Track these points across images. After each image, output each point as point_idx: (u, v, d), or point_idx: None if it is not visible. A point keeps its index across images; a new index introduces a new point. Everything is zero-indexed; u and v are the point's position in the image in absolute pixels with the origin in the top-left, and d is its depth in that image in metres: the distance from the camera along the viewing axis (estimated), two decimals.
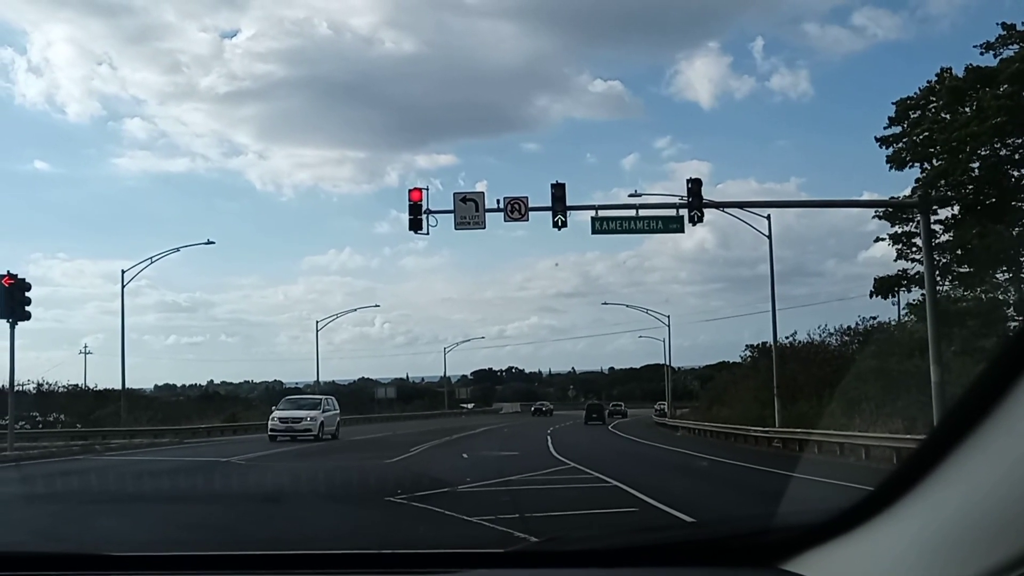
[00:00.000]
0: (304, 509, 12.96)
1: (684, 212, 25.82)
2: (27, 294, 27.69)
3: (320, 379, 72.13)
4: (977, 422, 1.35)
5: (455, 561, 1.92)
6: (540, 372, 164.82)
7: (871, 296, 35.99)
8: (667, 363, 72.66)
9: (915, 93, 34.67)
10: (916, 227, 31.58)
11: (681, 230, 26.88)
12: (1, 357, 28.90)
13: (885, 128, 35.40)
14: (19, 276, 27.68)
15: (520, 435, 40.62)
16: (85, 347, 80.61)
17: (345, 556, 1.93)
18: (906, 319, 37.42)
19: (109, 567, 1.89)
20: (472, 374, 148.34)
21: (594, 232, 26.44)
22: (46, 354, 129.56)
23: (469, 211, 25.62)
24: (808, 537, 1.66)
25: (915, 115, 34.55)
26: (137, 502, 14.89)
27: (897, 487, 1.51)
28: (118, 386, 47.24)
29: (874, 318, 38.67)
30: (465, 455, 26.12)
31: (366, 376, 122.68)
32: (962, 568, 1.32)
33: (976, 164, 32.52)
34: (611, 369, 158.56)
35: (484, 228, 25.94)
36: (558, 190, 25.31)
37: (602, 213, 26.66)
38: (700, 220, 26.00)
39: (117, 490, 17.17)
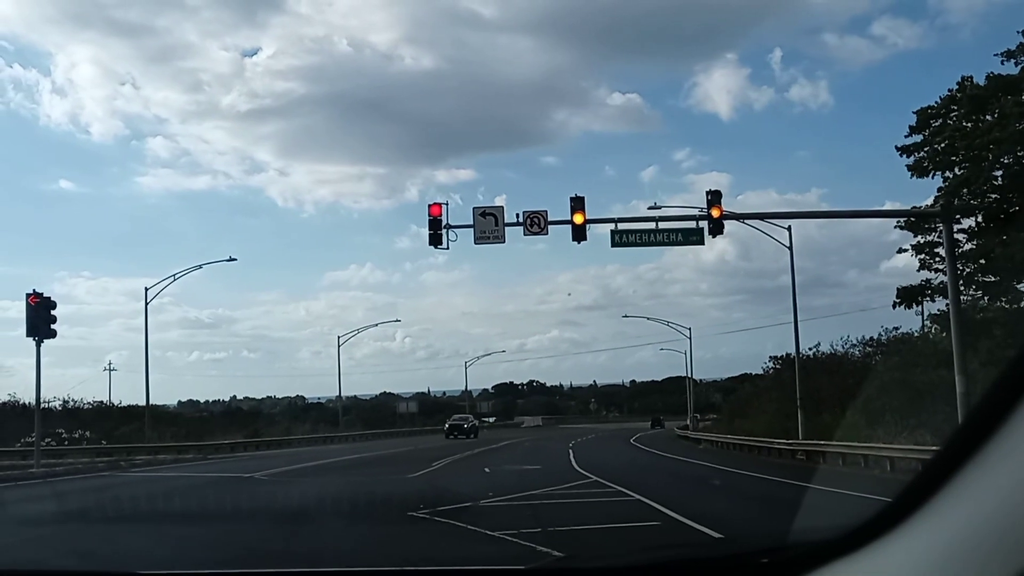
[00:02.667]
0: (327, 525, 13.00)
1: (704, 224, 25.78)
2: (52, 312, 28.02)
3: (342, 394, 72.17)
4: (989, 435, 1.36)
5: None
6: (561, 385, 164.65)
7: (894, 307, 35.69)
8: (689, 376, 72.41)
9: (936, 102, 34.45)
10: (939, 237, 31.30)
11: (701, 242, 26.82)
12: (28, 374, 29.27)
13: (906, 137, 35.19)
14: (44, 295, 28.03)
15: (542, 449, 40.55)
16: (109, 364, 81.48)
17: (368, 573, 1.96)
18: (929, 329, 37.08)
19: None
20: (493, 388, 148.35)
21: (614, 245, 26.43)
22: (71, 371, 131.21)
23: (489, 225, 25.70)
24: (824, 552, 1.67)
25: (936, 124, 34.30)
26: (161, 519, 14.99)
27: (911, 501, 1.52)
28: (142, 402, 47.62)
29: (897, 328, 38.36)
30: (487, 469, 26.11)
31: (388, 391, 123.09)
32: None
33: (999, 172, 32.23)
34: (632, 382, 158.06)
35: (504, 242, 26.04)
36: (577, 203, 25.35)
37: (622, 226, 26.65)
38: (720, 232, 25.95)
39: (142, 507, 17.30)
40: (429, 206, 25.69)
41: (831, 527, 1.76)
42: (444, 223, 25.34)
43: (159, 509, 16.75)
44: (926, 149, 34.36)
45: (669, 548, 2.08)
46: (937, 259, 33.68)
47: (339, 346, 67.62)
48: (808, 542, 1.78)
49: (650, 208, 31.50)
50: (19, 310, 29.71)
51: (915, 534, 1.50)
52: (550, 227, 25.82)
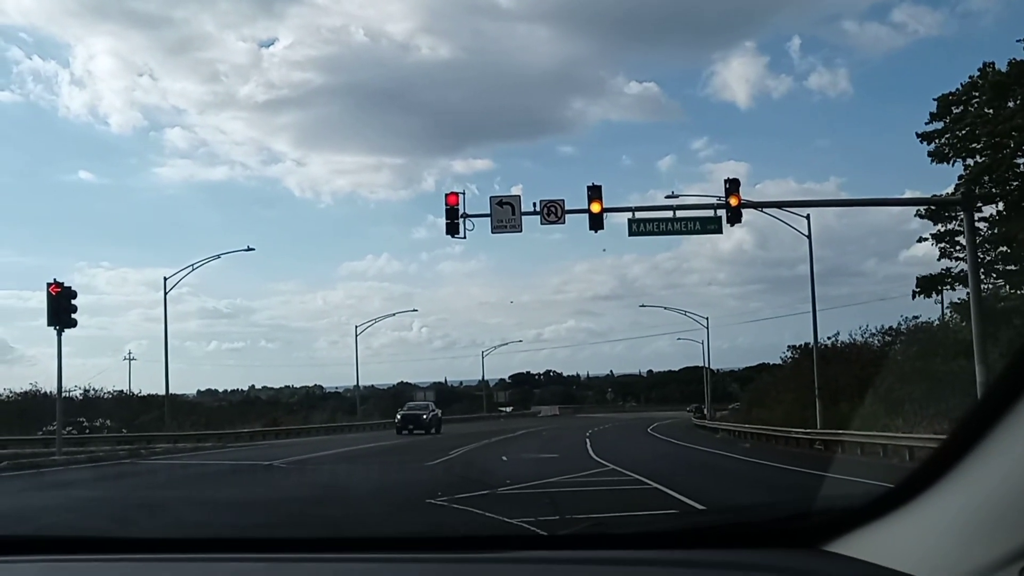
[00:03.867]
0: (346, 510, 13.08)
1: (722, 213, 25.68)
2: (73, 302, 28.22)
3: (360, 383, 72.43)
4: (1013, 404, 1.37)
5: (500, 544, 1.97)
6: (578, 375, 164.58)
7: (914, 296, 35.53)
8: (706, 365, 72.26)
9: (957, 88, 34.18)
10: (960, 225, 31.04)
11: (719, 231, 26.72)
12: (49, 364, 29.76)
13: (927, 124, 34.96)
14: (65, 284, 28.24)
15: (559, 438, 40.59)
16: (129, 353, 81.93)
17: (392, 540, 1.98)
18: (949, 318, 36.84)
19: (166, 549, 1.96)
20: (510, 378, 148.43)
21: (631, 234, 26.39)
22: (91, 361, 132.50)
23: (506, 214, 25.71)
24: (848, 519, 1.68)
25: (957, 111, 34.04)
26: (181, 504, 15.12)
27: (937, 469, 1.53)
28: (162, 392, 47.99)
29: (916, 318, 38.14)
30: (504, 457, 26.17)
31: (405, 380, 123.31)
32: (1004, 546, 1.34)
33: (1021, 159, 31.95)
34: (649, 372, 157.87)
35: (520, 231, 26.04)
36: (594, 192, 25.30)
37: (639, 215, 26.60)
38: (738, 221, 25.85)
39: (162, 493, 17.47)
40: (446, 195, 25.73)
41: (854, 495, 1.77)
42: (461, 212, 25.36)
43: (179, 495, 16.89)
44: (947, 136, 34.13)
45: (692, 516, 2.09)
46: (958, 247, 33.46)
47: (356, 336, 67.88)
48: (834, 509, 1.79)
49: (668, 197, 31.36)
50: (40, 300, 30.07)
51: (939, 501, 1.51)
52: (567, 216, 25.81)
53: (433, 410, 52.73)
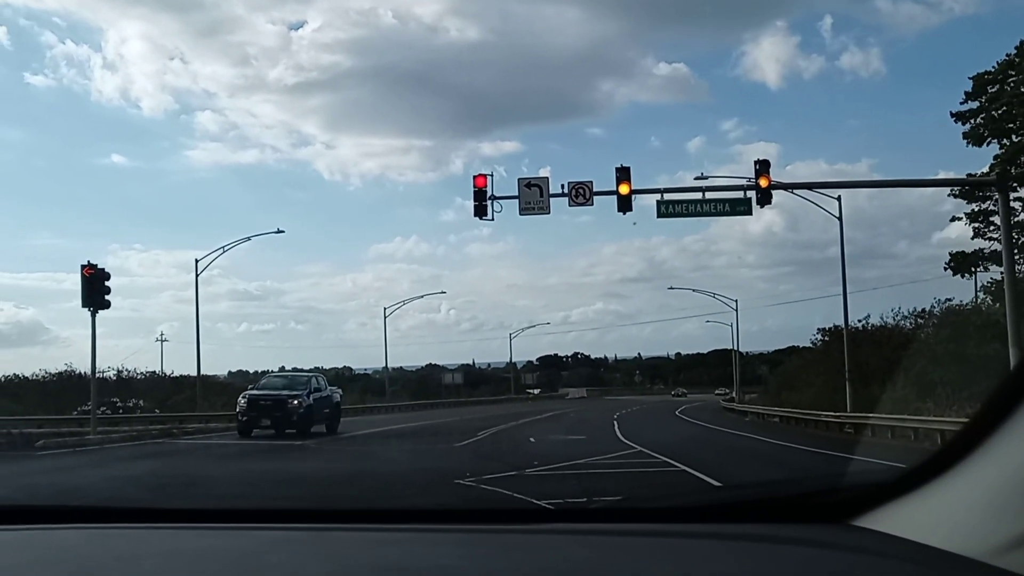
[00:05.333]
0: (376, 490, 13.21)
1: (752, 194, 25.48)
2: (107, 284, 28.57)
3: (389, 365, 72.86)
4: None
5: (532, 517, 2.00)
6: (606, 358, 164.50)
7: (950, 270, 35.09)
8: (735, 348, 71.92)
9: (993, 67, 33.62)
10: (994, 205, 30.66)
11: (749, 212, 26.55)
12: (83, 345, 30.03)
13: (961, 104, 34.45)
14: (99, 266, 28.59)
15: (587, 420, 40.65)
16: (161, 335, 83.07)
17: (425, 512, 2.02)
18: (982, 300, 36.39)
19: (205, 519, 2.01)
20: (538, 360, 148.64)
21: (660, 216, 26.28)
22: (124, 342, 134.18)
23: (534, 196, 25.67)
24: (877, 495, 1.68)
25: (993, 90, 33.53)
26: (216, 480, 15.33)
27: (965, 444, 1.53)
28: (193, 372, 48.50)
29: (949, 300, 37.71)
30: (532, 439, 26.26)
31: (433, 362, 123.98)
32: None
33: None
34: (677, 355, 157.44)
35: (548, 213, 25.99)
36: (623, 174, 25.19)
37: (668, 196, 26.48)
38: (768, 202, 25.64)
39: (197, 470, 17.72)
40: (474, 177, 25.74)
41: (883, 469, 1.78)
42: (489, 194, 25.36)
43: (212, 474, 17.12)
44: (982, 116, 33.65)
45: (720, 490, 2.11)
46: (992, 228, 33.05)
47: (385, 317, 68.14)
48: (862, 484, 1.80)
49: (697, 178, 31.14)
50: (74, 282, 30.45)
51: (968, 476, 1.51)
52: (595, 198, 25.72)
53: (317, 391, 28.88)
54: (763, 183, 25.13)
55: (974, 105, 33.92)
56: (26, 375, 49.14)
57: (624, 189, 25.05)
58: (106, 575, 1.58)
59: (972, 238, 34.69)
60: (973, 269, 35.04)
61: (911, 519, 1.57)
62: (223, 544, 1.80)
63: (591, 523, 1.92)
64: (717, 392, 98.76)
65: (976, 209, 34.34)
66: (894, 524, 1.59)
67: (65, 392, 43.48)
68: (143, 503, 2.32)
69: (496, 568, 1.59)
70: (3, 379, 48.70)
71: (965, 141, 33.91)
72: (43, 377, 48.61)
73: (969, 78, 34.20)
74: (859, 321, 39.16)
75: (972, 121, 33.85)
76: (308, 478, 15.73)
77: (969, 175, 34.00)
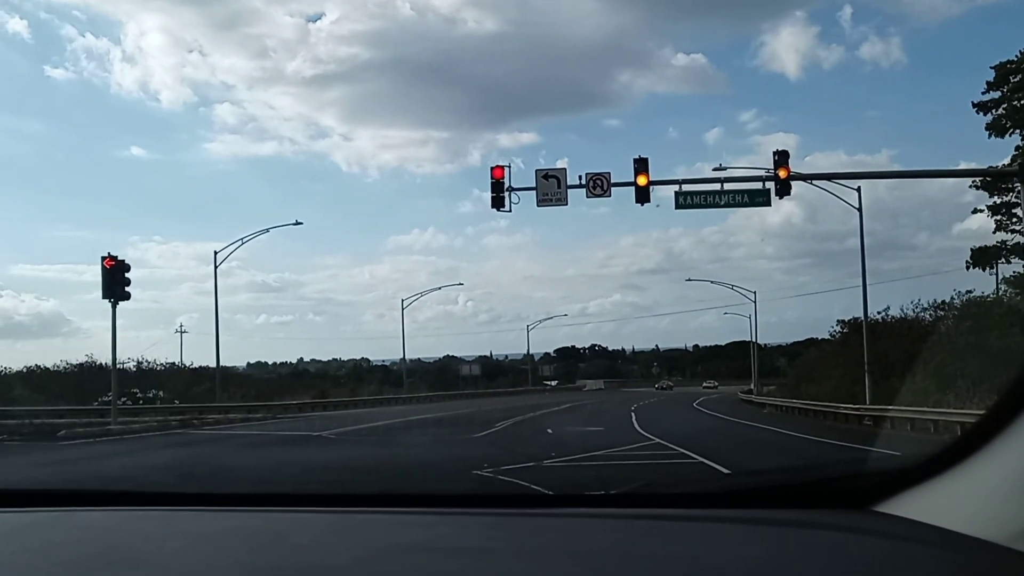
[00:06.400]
0: (394, 480, 13.26)
1: (771, 185, 25.36)
2: (127, 275, 28.80)
3: (406, 357, 73.06)
4: None
5: (551, 502, 2.02)
6: (623, 350, 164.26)
7: (968, 267, 34.82)
8: (753, 340, 71.71)
9: (1015, 56, 33.26)
10: (1017, 196, 30.33)
11: (767, 203, 26.44)
12: (103, 336, 30.49)
13: (983, 94, 34.12)
14: (119, 258, 28.81)
15: (604, 412, 40.64)
16: (180, 326, 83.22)
17: (445, 497, 2.04)
18: (1004, 292, 36.05)
19: (230, 503, 2.04)
20: (555, 352, 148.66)
21: (678, 207, 26.19)
22: (144, 333, 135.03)
23: (551, 188, 25.64)
24: (899, 480, 1.69)
25: (1016, 79, 33.16)
26: (239, 468, 15.45)
27: (988, 429, 1.53)
28: (213, 364, 48.88)
29: (970, 292, 37.38)
30: (550, 430, 26.28)
31: (451, 354, 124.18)
32: None
33: None
34: (695, 346, 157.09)
35: (566, 204, 25.96)
36: (641, 165, 25.12)
37: (686, 188, 26.38)
38: (787, 193, 25.51)
39: (218, 459, 17.85)
40: (492, 168, 25.75)
41: (906, 455, 1.78)
42: (507, 186, 25.37)
43: (232, 464, 17.25)
44: (1004, 106, 33.28)
45: (740, 476, 2.12)
46: (1014, 219, 32.74)
47: (403, 309, 68.32)
48: (884, 470, 1.80)
49: (715, 169, 30.99)
50: (95, 274, 30.70)
51: (991, 461, 1.51)
52: (613, 189, 25.67)
53: None
54: (782, 174, 25.03)
55: (996, 95, 33.58)
56: (47, 366, 49.71)
57: (642, 180, 25.01)
58: (134, 554, 1.61)
59: (994, 231, 34.34)
60: (994, 262, 34.70)
61: (933, 505, 1.58)
62: (249, 525, 1.83)
63: (611, 507, 1.93)
64: (705, 385, 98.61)
65: (998, 201, 33.99)
66: (916, 510, 1.60)
67: (86, 383, 43.89)
68: (169, 488, 2.36)
69: (522, 549, 1.61)
70: (25, 370, 49.26)
71: (987, 132, 33.62)
72: (64, 368, 49.14)
73: (991, 67, 33.89)
74: (879, 313, 38.94)
75: (994, 111, 33.51)
76: (330, 466, 15.83)
77: (991, 166, 33.67)
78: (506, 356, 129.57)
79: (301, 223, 50.16)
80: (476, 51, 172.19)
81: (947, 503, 1.55)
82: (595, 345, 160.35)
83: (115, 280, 28.35)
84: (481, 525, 1.79)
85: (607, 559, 1.49)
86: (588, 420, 32.41)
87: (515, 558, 1.53)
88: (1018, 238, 31.26)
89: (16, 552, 1.66)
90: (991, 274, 36.79)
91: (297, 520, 1.86)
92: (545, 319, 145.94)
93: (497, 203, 25.33)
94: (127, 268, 28.94)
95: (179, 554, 1.61)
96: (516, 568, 1.46)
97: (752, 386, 68.39)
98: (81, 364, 48.54)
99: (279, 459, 17.65)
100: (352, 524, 1.81)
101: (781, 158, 25.21)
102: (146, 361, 52.01)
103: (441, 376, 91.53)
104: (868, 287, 34.13)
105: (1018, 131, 32.87)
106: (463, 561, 1.51)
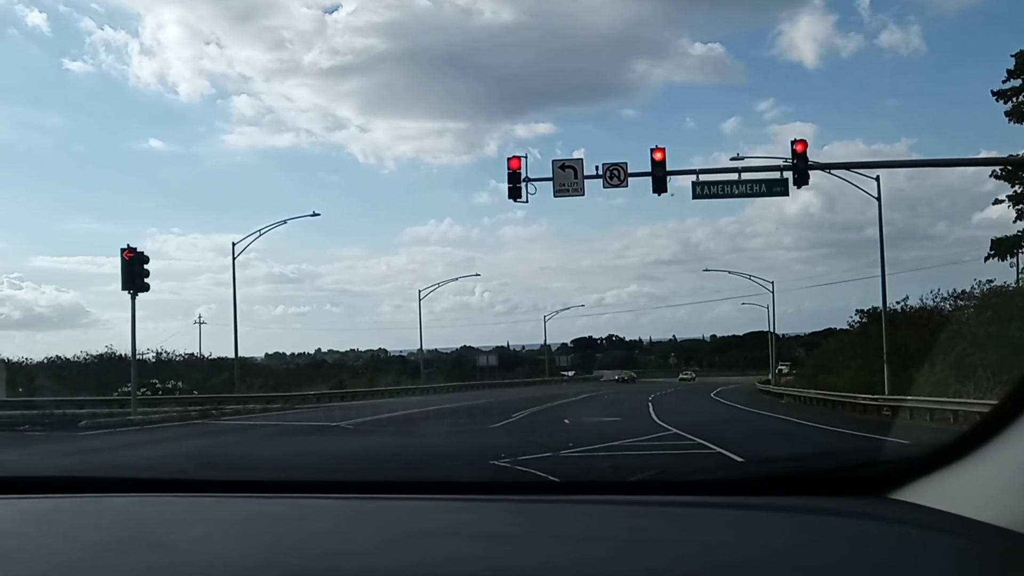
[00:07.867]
0: (412, 469, 13.32)
1: (788, 175, 25.22)
2: (146, 267, 29.02)
3: (423, 347, 73.20)
4: None
5: (569, 489, 2.04)
6: (640, 340, 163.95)
7: (987, 259, 34.54)
8: (771, 330, 71.33)
9: None
10: None
11: (785, 193, 26.27)
12: (123, 327, 30.62)
13: (1004, 82, 33.78)
14: (138, 250, 29.01)
15: (621, 402, 40.64)
16: (199, 317, 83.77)
17: (464, 484, 2.07)
18: None
19: (252, 490, 2.07)
20: (572, 342, 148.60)
21: (695, 197, 26.11)
22: (163, 324, 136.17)
23: (568, 178, 25.61)
24: (914, 468, 1.69)
25: None
26: (258, 457, 15.56)
27: (1004, 416, 1.54)
28: (231, 355, 49.06)
29: (990, 281, 37.05)
30: (567, 421, 26.31)
31: (468, 344, 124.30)
32: None
33: None
34: (713, 337, 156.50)
35: (583, 195, 25.93)
36: (658, 155, 25.03)
37: (703, 177, 26.27)
38: (805, 183, 25.37)
39: (239, 448, 18.00)
40: (508, 159, 25.74)
41: (921, 443, 1.79)
42: (523, 176, 25.34)
43: (252, 454, 17.37)
44: None
45: (756, 464, 2.13)
46: None
47: (419, 300, 68.39)
48: (899, 458, 1.81)
49: (732, 159, 30.81)
50: (114, 265, 31.02)
51: (1007, 448, 1.51)
52: (630, 179, 25.60)
53: None
54: (800, 163, 24.87)
55: (1016, 83, 33.25)
56: (68, 357, 50.22)
57: (659, 170, 24.92)
58: (159, 538, 1.64)
59: (1014, 220, 34.02)
60: (1015, 252, 34.38)
61: (949, 492, 1.58)
62: (271, 511, 1.86)
63: (628, 495, 1.95)
64: (682, 376, 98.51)
65: (1019, 191, 33.67)
66: (932, 497, 1.60)
67: (106, 374, 44.28)
68: (192, 475, 2.39)
69: (540, 534, 1.63)
70: (46, 361, 49.79)
71: (1007, 119, 33.30)
72: (84, 359, 49.61)
73: (1011, 55, 33.54)
74: (897, 303, 38.70)
75: (1014, 99, 33.18)
76: (349, 455, 15.92)
77: (1011, 155, 33.33)
78: (523, 346, 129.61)
79: (318, 214, 50.45)
80: (493, 42, 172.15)
81: (964, 490, 1.56)
82: (612, 335, 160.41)
83: (134, 272, 28.56)
84: (500, 511, 1.81)
85: (623, 544, 1.51)
86: (605, 410, 32.43)
87: (533, 543, 1.55)
88: None
89: (43, 536, 1.69)
90: (1011, 265, 36.47)
91: (319, 506, 1.89)
92: (562, 309, 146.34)
93: (514, 194, 25.33)
94: (146, 260, 29.16)
95: (204, 538, 1.64)
96: (534, 552, 1.48)
97: (770, 376, 68.13)
98: (101, 355, 49.01)
99: (299, 448, 17.78)
100: (373, 510, 1.84)
101: (799, 147, 25.08)
102: (165, 352, 52.46)
103: (458, 366, 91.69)
104: (887, 277, 33.96)
105: None
106: (483, 546, 1.54)
